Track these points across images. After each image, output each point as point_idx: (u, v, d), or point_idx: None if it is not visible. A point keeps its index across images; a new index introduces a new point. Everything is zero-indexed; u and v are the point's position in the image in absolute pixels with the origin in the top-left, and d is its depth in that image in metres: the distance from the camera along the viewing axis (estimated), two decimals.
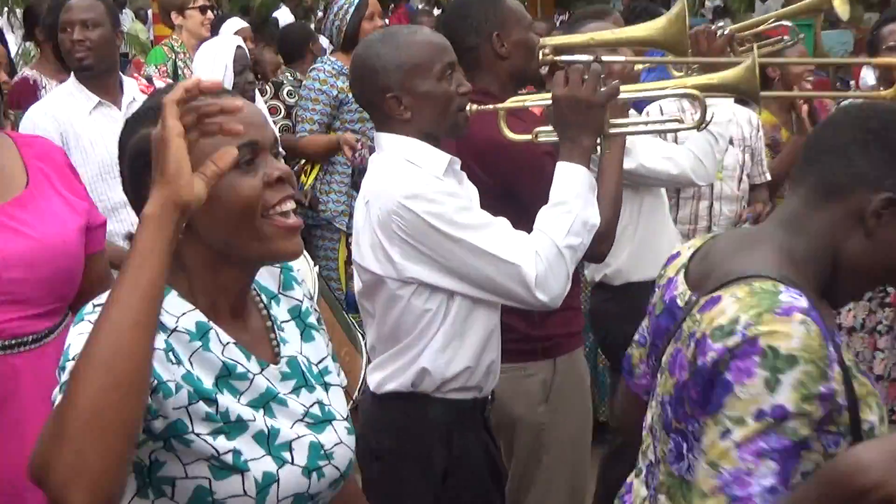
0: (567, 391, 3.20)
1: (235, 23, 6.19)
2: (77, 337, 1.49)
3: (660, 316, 1.97)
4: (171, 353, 1.55)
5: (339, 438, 1.75)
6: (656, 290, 2.03)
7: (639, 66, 3.51)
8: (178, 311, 1.62)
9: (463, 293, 2.52)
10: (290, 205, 1.64)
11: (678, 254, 2.03)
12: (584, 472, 3.31)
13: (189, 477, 1.57)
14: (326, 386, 1.81)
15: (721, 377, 1.64)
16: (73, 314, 2.56)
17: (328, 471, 1.71)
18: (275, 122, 5.62)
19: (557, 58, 2.89)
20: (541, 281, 2.44)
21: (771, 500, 1.58)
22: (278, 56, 6.73)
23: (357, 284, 2.66)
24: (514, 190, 2.89)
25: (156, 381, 1.47)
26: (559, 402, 3.17)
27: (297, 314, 1.84)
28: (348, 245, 4.99)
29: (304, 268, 3.63)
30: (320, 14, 13.27)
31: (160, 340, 1.52)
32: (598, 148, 2.64)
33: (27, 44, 8.45)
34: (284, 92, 5.91)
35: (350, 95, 4.79)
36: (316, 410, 1.76)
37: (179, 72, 5.91)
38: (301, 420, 1.72)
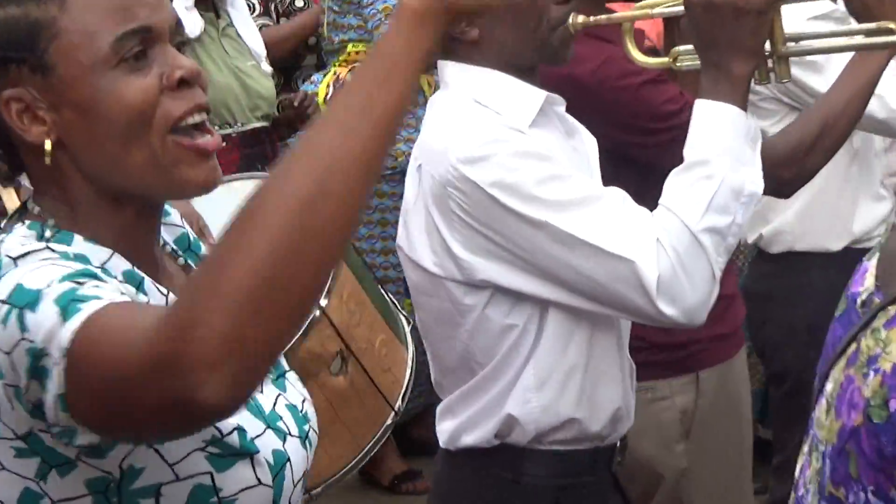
0: (717, 420, 2.71)
1: None
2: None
3: (840, 318, 1.63)
4: None
5: (300, 392, 1.62)
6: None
7: None
8: (98, 258, 1.41)
9: (557, 301, 2.05)
10: (201, 116, 1.46)
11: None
12: None
13: (181, 478, 1.40)
14: None
15: None
16: None
17: (312, 437, 1.59)
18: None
19: None
20: (665, 284, 1.97)
21: None
22: None
23: (409, 277, 2.25)
24: (624, 150, 2.49)
25: None
26: (706, 437, 2.69)
27: (186, 245, 1.65)
28: None
29: None
30: None
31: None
32: (762, 76, 2.09)
33: None
34: None
35: None
36: None
37: None
38: None
